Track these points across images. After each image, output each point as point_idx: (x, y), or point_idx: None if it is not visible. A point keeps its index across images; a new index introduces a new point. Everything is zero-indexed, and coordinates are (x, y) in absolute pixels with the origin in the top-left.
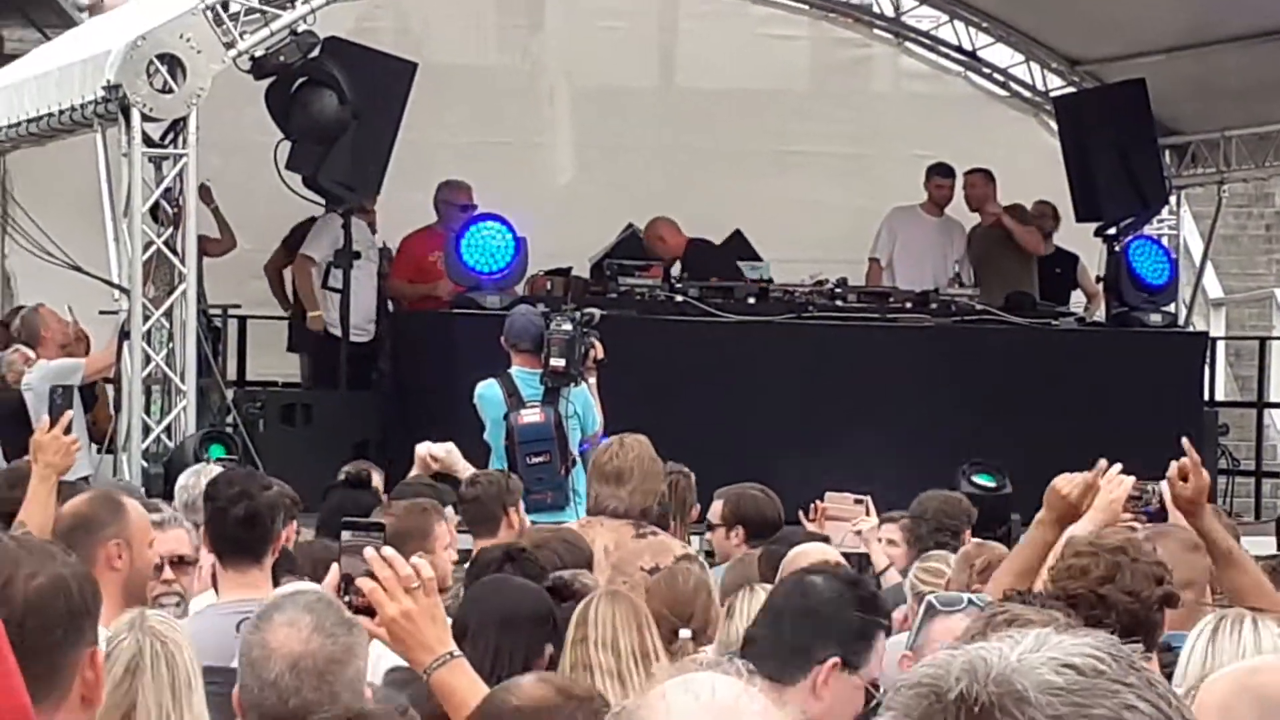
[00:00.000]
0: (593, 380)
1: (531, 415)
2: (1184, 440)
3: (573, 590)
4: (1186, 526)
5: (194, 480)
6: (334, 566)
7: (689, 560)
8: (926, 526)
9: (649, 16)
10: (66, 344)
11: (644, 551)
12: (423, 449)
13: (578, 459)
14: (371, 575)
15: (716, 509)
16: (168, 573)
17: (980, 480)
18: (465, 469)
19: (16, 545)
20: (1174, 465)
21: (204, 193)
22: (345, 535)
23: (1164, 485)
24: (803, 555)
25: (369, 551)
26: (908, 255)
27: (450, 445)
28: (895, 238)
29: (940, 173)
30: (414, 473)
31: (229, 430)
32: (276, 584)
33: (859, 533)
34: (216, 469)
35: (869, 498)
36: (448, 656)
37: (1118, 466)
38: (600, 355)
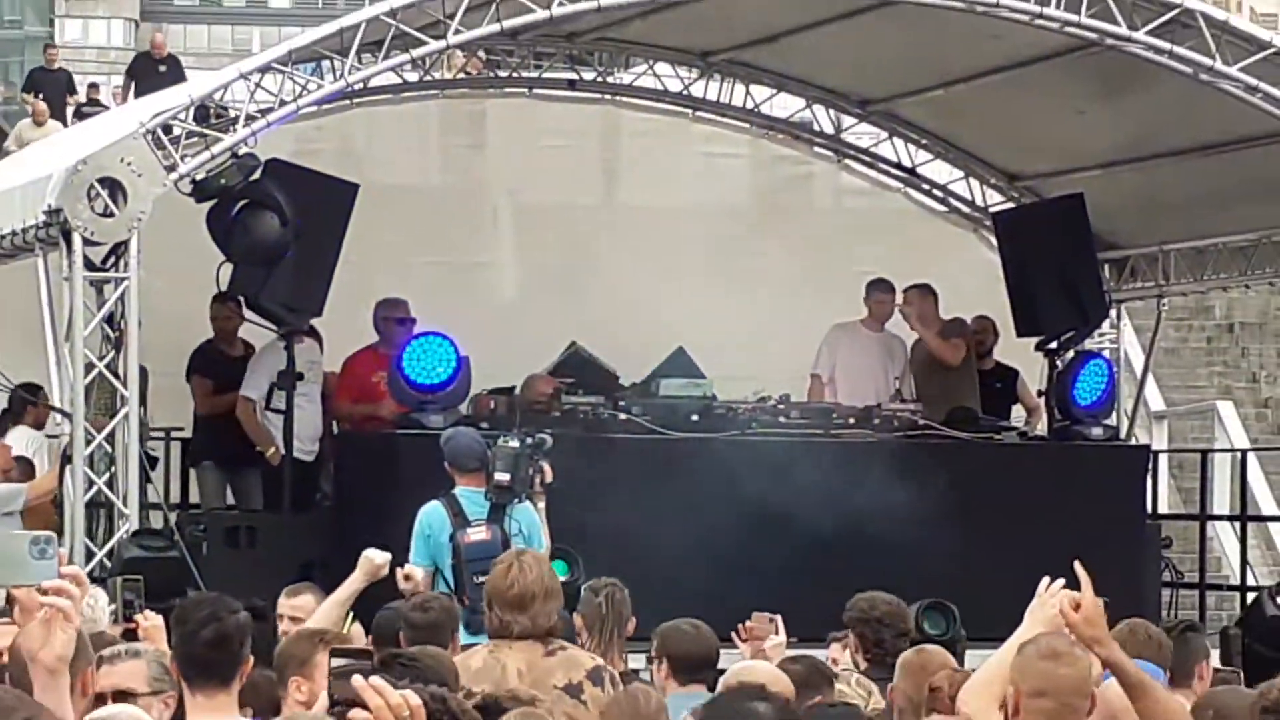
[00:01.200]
0: (542, 504)
1: (478, 533)
2: (1076, 565)
3: (502, 708)
4: (1059, 633)
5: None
6: (323, 694)
7: (600, 674)
8: (889, 632)
9: (592, 135)
10: (8, 469)
11: (556, 669)
12: (403, 569)
13: None
14: (362, 705)
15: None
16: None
17: (930, 629)
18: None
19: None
20: (1065, 596)
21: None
22: (334, 662)
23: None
24: (746, 671)
25: (358, 680)
26: (849, 372)
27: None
28: (836, 354)
29: (880, 288)
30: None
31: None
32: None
33: (763, 651)
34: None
35: (779, 616)
36: None
37: (1060, 582)
38: (549, 478)
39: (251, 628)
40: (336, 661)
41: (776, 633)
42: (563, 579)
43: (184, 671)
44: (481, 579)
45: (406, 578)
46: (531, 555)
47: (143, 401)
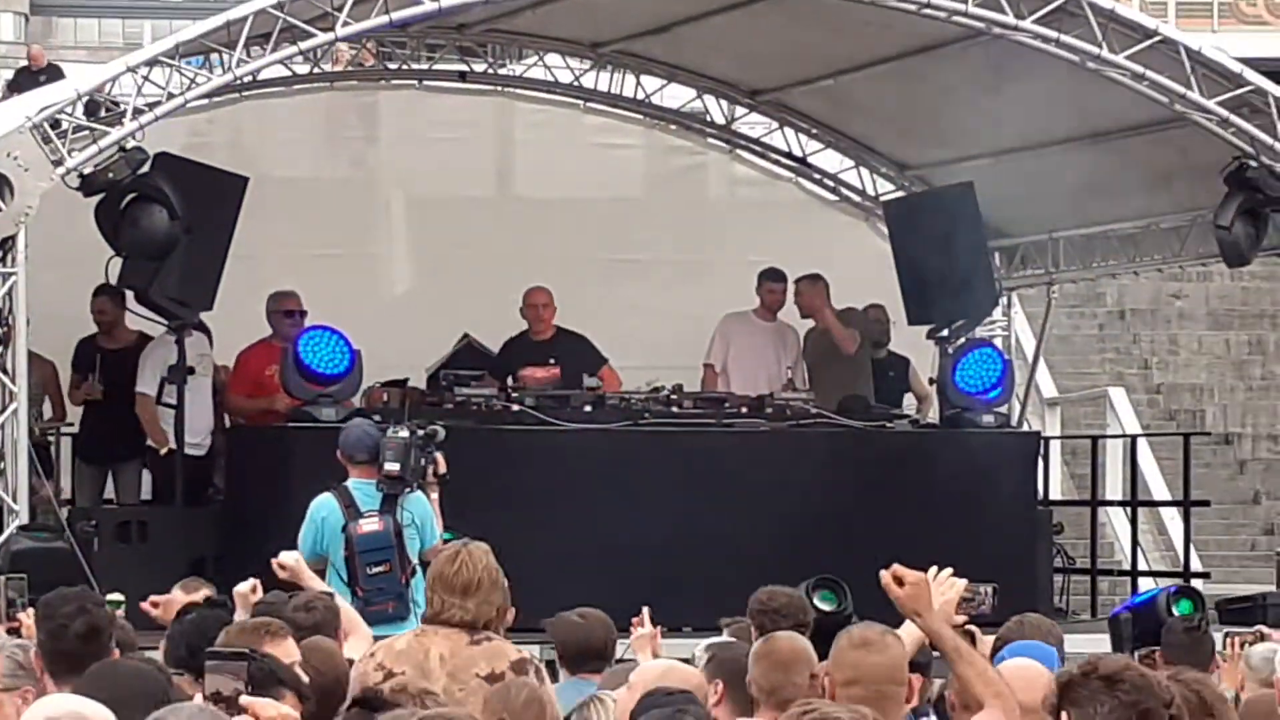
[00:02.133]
0: (435, 495)
1: (370, 524)
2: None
3: (383, 700)
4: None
5: None
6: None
7: (525, 666)
8: (786, 622)
9: (484, 126)
10: None
11: (479, 658)
12: (276, 559)
13: (417, 568)
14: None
15: None
16: None
17: (822, 603)
18: (311, 580)
19: None
20: (885, 573)
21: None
22: (209, 663)
23: (992, 587)
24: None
25: (244, 699)
26: (741, 361)
27: (298, 554)
28: (729, 344)
29: (772, 278)
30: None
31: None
32: None
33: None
34: None
35: (646, 608)
36: None
37: (948, 571)
38: (442, 470)
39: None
40: (211, 662)
41: (642, 624)
42: None
43: (51, 665)
44: (375, 569)
45: (281, 567)
46: (479, 546)
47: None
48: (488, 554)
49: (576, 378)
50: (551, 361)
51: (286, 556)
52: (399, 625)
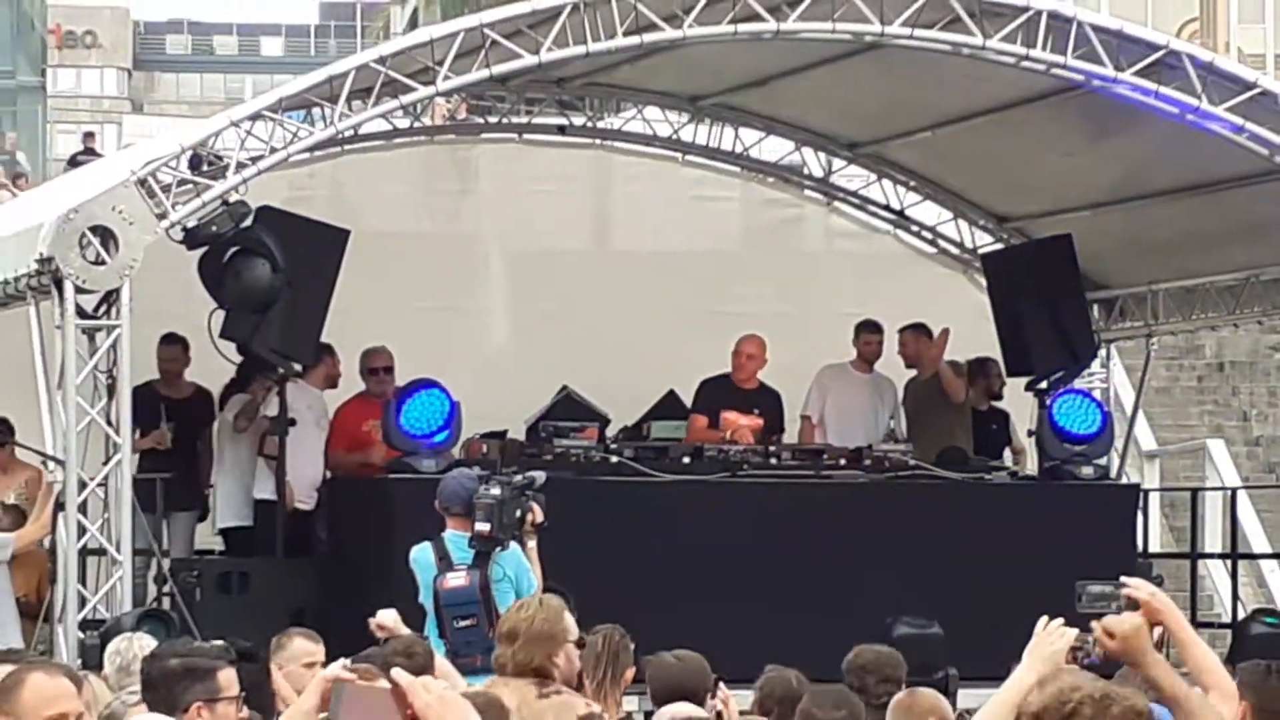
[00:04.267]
0: (532, 544)
1: (456, 579)
2: (1123, 579)
3: None
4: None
5: (125, 645)
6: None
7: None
8: (872, 678)
9: (582, 180)
10: None
11: (546, 711)
12: (375, 619)
13: None
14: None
15: None
16: None
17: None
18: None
19: None
20: (1096, 625)
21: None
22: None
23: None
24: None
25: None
26: (839, 413)
27: (395, 614)
28: (826, 396)
29: (868, 329)
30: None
31: (165, 605)
32: None
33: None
34: (148, 638)
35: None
36: None
37: (1060, 620)
38: (539, 519)
39: None
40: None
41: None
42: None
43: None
44: (461, 623)
45: (380, 627)
46: (545, 600)
47: None
48: (548, 606)
49: (769, 431)
50: (756, 412)
51: (385, 616)
52: (488, 676)
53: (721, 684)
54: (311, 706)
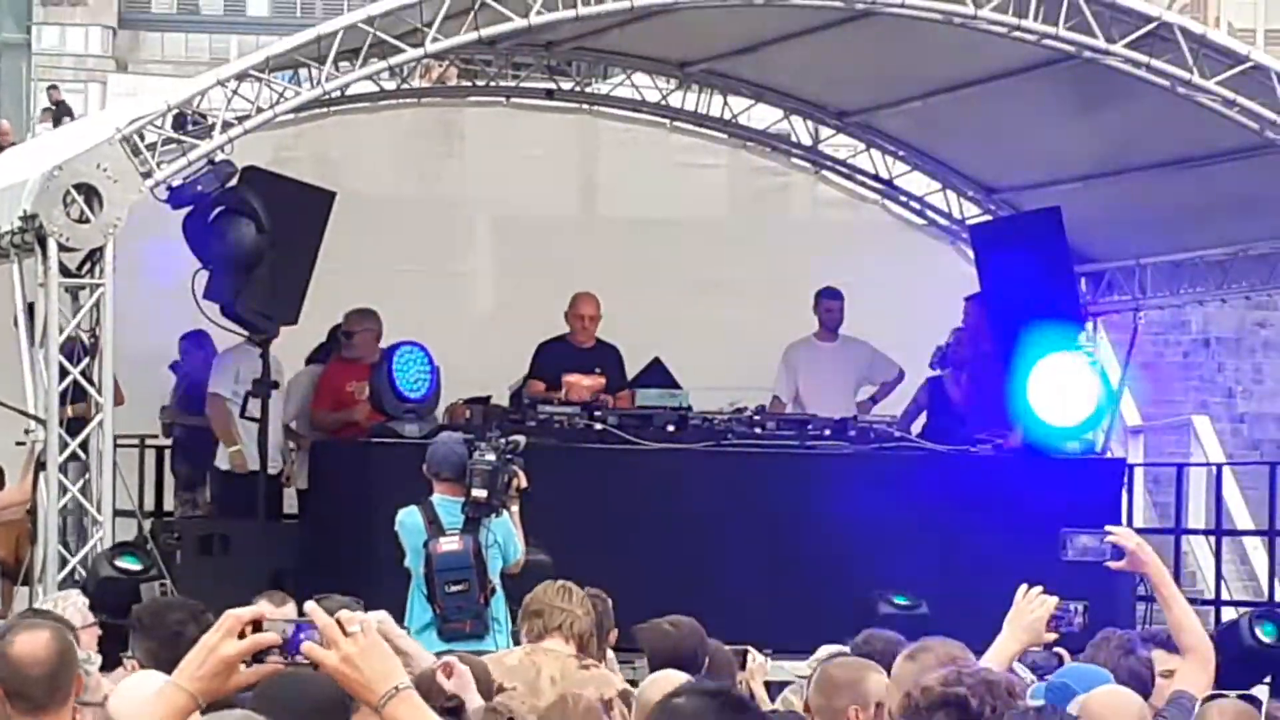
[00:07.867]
0: (515, 509)
1: (450, 544)
2: (1108, 528)
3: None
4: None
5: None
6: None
7: (629, 698)
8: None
9: (569, 145)
10: None
11: (588, 683)
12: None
13: (497, 587)
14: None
15: None
16: None
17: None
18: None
19: None
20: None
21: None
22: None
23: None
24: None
25: (309, 605)
26: (810, 392)
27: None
28: (796, 375)
29: (828, 295)
30: None
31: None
32: None
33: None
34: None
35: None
36: (393, 691)
37: (1039, 589)
38: (523, 484)
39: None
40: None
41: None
42: None
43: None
44: (452, 588)
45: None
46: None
47: None
48: (580, 599)
49: (613, 388)
50: (598, 370)
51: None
52: (476, 643)
53: (753, 651)
54: (216, 643)
